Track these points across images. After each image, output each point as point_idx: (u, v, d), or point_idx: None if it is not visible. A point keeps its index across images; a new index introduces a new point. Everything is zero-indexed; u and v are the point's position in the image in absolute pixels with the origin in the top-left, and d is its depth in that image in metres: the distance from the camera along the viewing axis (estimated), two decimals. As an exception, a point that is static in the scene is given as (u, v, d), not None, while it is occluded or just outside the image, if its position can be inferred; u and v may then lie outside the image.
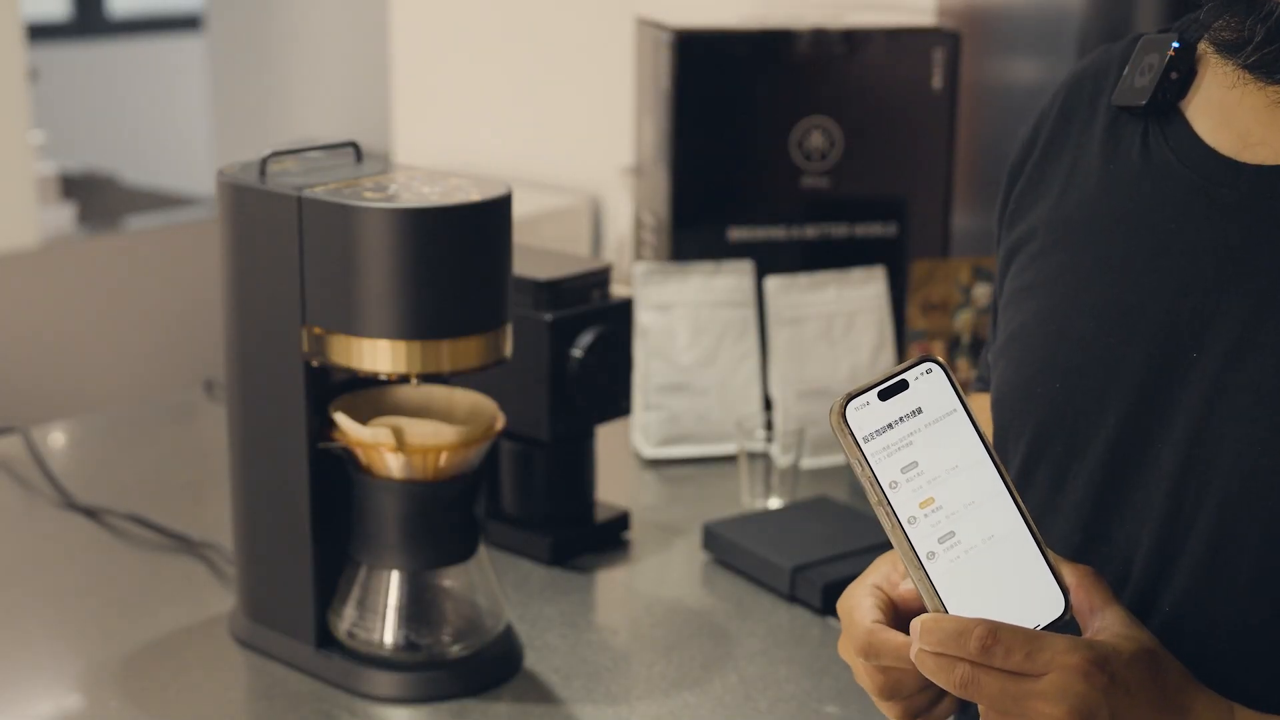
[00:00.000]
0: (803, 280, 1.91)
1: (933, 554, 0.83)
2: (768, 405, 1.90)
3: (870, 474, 0.84)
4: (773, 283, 1.90)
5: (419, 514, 1.32)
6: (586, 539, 1.61)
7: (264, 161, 1.32)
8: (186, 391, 2.13)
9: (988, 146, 2.13)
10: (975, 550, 0.84)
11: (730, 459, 1.82)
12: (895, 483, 0.84)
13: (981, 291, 1.89)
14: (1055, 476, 0.96)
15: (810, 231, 2.00)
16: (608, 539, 1.63)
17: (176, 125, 5.39)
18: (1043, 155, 1.04)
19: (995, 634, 0.80)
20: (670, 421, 1.86)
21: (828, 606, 1.47)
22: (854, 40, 1.96)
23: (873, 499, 0.84)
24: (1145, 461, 0.91)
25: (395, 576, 1.34)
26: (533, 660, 1.39)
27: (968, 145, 2.10)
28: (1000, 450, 1.02)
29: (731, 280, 1.91)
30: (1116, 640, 0.82)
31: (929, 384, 0.85)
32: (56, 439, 1.96)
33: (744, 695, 1.34)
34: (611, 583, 1.58)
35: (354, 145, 1.38)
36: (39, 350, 2.94)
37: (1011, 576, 0.84)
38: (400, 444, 1.29)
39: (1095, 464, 0.93)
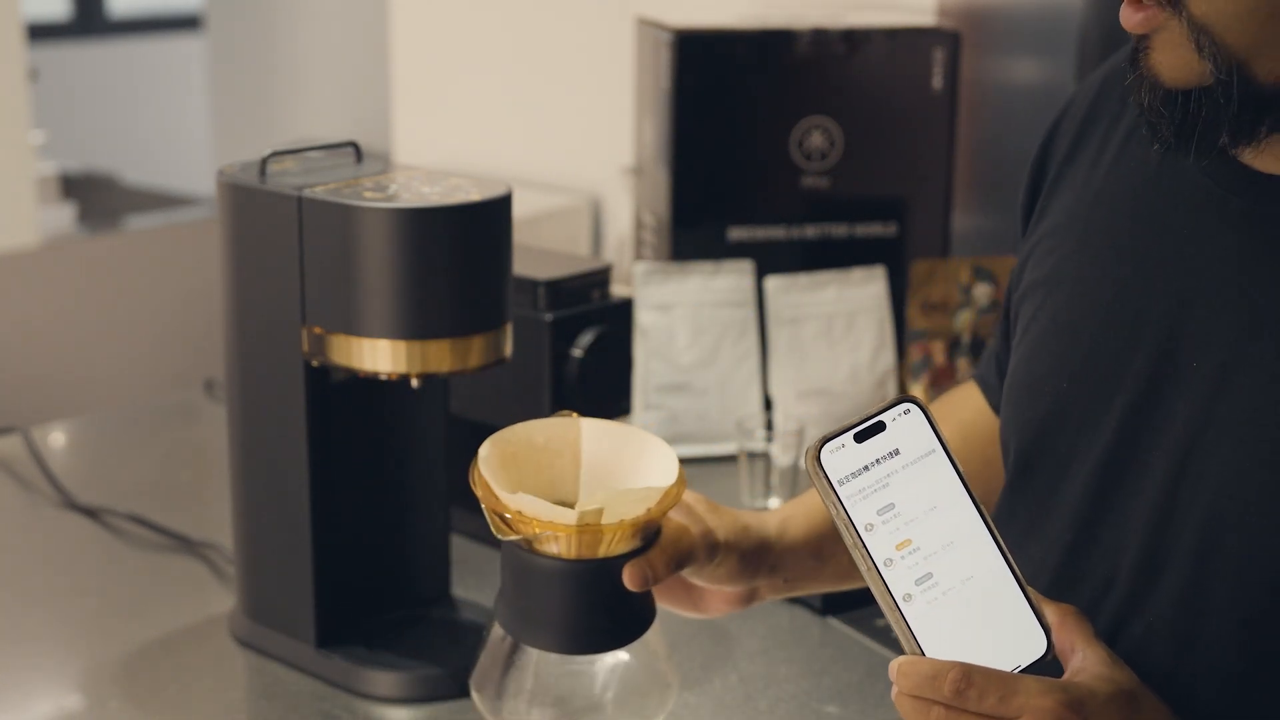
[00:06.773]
0: (803, 280, 1.91)
1: (909, 596, 0.83)
2: (768, 405, 1.90)
3: (845, 517, 0.84)
4: (773, 283, 1.90)
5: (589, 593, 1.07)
6: (586, 539, 1.61)
7: (264, 161, 1.32)
8: (186, 391, 2.13)
9: (988, 146, 2.13)
10: (953, 591, 0.84)
11: (730, 459, 1.82)
12: (871, 525, 0.84)
13: (981, 291, 1.88)
14: (1054, 475, 0.96)
15: (810, 231, 2.00)
16: (608, 539, 1.63)
17: (176, 125, 5.39)
18: (1072, 146, 1.03)
19: (969, 677, 0.80)
20: (670, 421, 1.86)
21: (828, 606, 1.47)
22: (854, 40, 1.96)
23: (848, 541, 0.84)
24: (1138, 468, 0.90)
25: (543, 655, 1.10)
26: (533, 660, 1.39)
27: (968, 145, 2.10)
28: (1003, 443, 1.02)
29: (731, 280, 1.91)
30: (1093, 681, 0.82)
31: (907, 424, 0.85)
32: (56, 439, 1.96)
33: (744, 695, 1.34)
34: (611, 583, 1.58)
35: (354, 145, 1.38)
36: (39, 350, 2.94)
37: (991, 617, 0.84)
38: (597, 525, 1.03)
39: (1092, 465, 0.93)
